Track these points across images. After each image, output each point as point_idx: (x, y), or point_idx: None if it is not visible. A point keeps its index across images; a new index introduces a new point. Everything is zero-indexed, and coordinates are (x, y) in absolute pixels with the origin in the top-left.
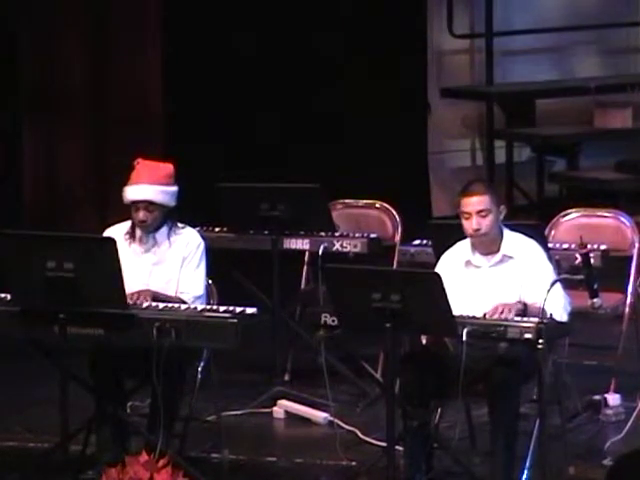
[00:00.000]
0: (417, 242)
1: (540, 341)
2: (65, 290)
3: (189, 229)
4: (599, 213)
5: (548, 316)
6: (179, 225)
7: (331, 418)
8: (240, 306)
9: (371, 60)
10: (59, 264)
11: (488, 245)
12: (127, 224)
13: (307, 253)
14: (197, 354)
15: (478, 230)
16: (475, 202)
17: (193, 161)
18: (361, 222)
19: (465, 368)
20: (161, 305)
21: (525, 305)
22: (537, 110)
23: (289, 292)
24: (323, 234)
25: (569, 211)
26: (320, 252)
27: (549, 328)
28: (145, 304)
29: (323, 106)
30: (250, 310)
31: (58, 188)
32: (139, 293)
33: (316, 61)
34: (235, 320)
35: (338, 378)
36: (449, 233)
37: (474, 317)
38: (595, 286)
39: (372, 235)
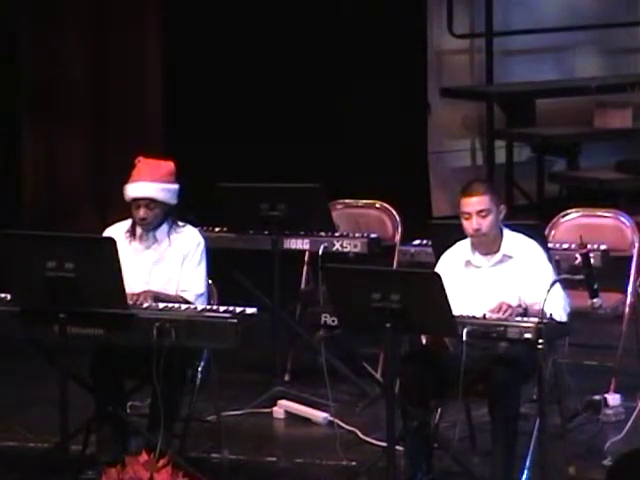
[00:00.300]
0: (417, 242)
1: (540, 341)
2: (65, 290)
3: (189, 227)
4: (599, 213)
5: (548, 316)
6: (180, 223)
7: (331, 418)
8: (240, 306)
9: (371, 60)
10: (59, 264)
11: (488, 245)
12: (128, 222)
13: (307, 253)
14: (197, 354)
15: (478, 230)
16: (475, 202)
17: (193, 161)
18: (361, 222)
19: (465, 368)
20: (161, 305)
21: (526, 309)
22: (537, 110)
23: (289, 292)
24: (323, 234)
25: (569, 211)
26: (320, 252)
27: (549, 328)
28: (145, 304)
29: (323, 106)
30: (250, 310)
31: (58, 188)
32: (140, 294)
33: (316, 61)
34: (235, 320)
35: (338, 378)
36: (449, 233)
37: (474, 317)
38: (595, 286)
39: (372, 235)
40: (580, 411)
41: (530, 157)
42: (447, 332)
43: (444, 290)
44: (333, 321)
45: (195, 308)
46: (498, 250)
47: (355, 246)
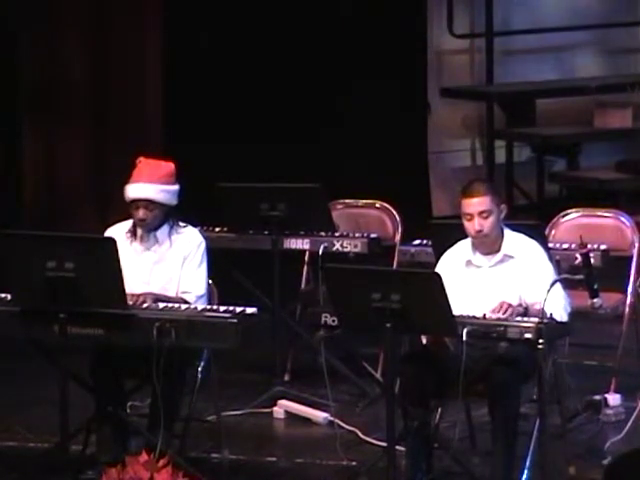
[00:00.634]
0: (417, 242)
1: (540, 341)
2: (65, 290)
3: (190, 228)
4: (599, 213)
5: (548, 316)
6: (180, 224)
7: (331, 418)
8: (240, 306)
9: (371, 60)
10: (59, 264)
11: (489, 245)
12: (129, 223)
13: (307, 253)
14: (197, 354)
15: (480, 231)
16: (476, 203)
17: (193, 161)
18: (361, 222)
19: (465, 368)
20: (161, 305)
21: (526, 309)
22: (537, 110)
23: (289, 292)
24: (323, 234)
25: (569, 211)
26: (320, 252)
27: (549, 328)
28: (145, 304)
29: (323, 106)
30: (250, 310)
31: (58, 188)
32: (140, 296)
33: (316, 61)
34: (235, 320)
35: (338, 378)
36: (449, 233)
37: (474, 317)
38: (595, 286)
39: (372, 235)
40: (580, 411)
41: (530, 157)
42: (447, 332)
43: (444, 290)
44: (333, 321)
45: (195, 308)
46: (499, 250)
47: (355, 246)
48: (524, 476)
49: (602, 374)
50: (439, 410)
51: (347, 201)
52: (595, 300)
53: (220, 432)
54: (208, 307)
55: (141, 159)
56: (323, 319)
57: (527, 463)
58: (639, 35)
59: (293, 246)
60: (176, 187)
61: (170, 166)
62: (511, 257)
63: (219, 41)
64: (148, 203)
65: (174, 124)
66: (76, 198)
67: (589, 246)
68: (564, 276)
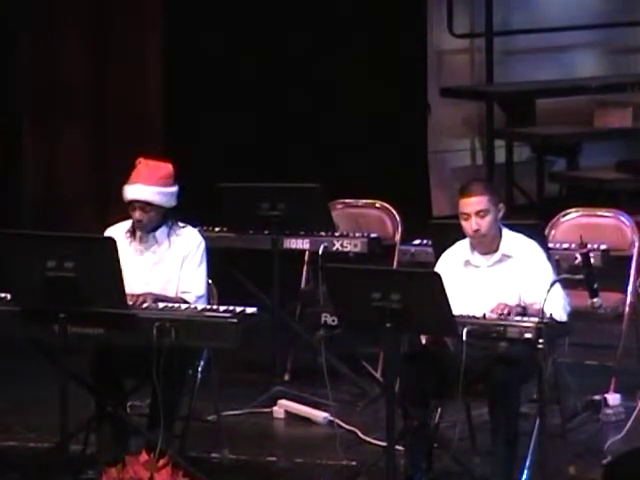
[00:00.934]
0: (417, 242)
1: (540, 341)
2: (65, 290)
3: (190, 228)
4: (599, 213)
5: (548, 316)
6: (180, 225)
7: (331, 418)
8: (240, 306)
9: (371, 60)
10: (59, 264)
11: (487, 245)
12: (128, 223)
13: (307, 253)
14: (197, 354)
15: (477, 231)
16: (474, 203)
17: (193, 161)
18: (361, 222)
19: (465, 368)
20: (161, 305)
21: (525, 309)
22: (537, 110)
23: (289, 292)
24: (323, 234)
25: (569, 211)
26: (320, 252)
27: (549, 328)
28: (145, 304)
29: (323, 106)
30: (250, 310)
31: (58, 188)
32: (140, 296)
33: (316, 61)
34: (235, 320)
35: (338, 378)
36: (449, 233)
37: (474, 317)
38: (595, 286)
39: (372, 235)
40: (580, 411)
41: (530, 157)
42: (447, 332)
43: (444, 290)
44: (333, 321)
45: (195, 308)
46: (497, 250)
47: (355, 246)
48: (524, 476)
49: (602, 374)
50: (439, 410)
51: (347, 201)
52: (595, 300)
53: (220, 432)
54: (208, 307)
55: (141, 160)
56: (323, 319)
57: (527, 463)
58: (639, 35)
59: (293, 246)
60: (174, 189)
61: (168, 167)
62: (509, 257)
63: (219, 41)
64: (145, 205)
65: (174, 124)
66: (76, 198)
67: (589, 246)
68: (564, 276)
